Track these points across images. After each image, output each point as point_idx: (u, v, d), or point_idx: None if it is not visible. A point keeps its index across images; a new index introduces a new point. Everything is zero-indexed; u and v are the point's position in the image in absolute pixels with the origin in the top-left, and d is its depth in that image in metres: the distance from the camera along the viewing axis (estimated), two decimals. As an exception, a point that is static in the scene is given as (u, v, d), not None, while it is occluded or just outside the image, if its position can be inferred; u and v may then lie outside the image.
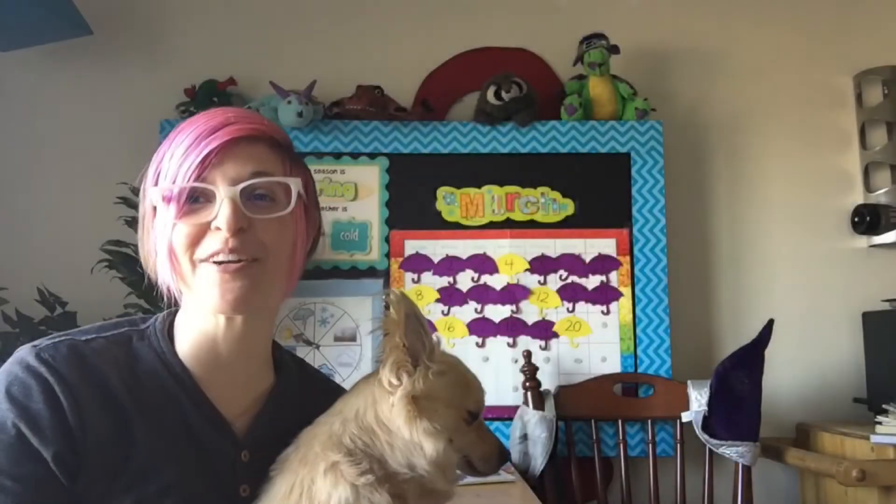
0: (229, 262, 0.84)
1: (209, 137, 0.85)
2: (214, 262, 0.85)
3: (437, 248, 2.34)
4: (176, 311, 0.93)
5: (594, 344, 2.30)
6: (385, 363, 0.86)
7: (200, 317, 0.89)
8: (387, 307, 0.86)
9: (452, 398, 0.88)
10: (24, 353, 0.84)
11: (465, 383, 0.92)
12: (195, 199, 0.85)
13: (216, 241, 0.84)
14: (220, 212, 0.84)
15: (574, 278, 2.33)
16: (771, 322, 2.09)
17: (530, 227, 2.35)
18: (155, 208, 0.87)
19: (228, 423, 0.90)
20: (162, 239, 0.86)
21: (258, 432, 0.92)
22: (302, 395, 0.98)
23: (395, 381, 0.85)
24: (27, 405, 0.79)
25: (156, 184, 0.87)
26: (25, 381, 0.81)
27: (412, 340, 0.86)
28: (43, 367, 0.81)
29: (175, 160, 0.85)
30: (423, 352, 0.87)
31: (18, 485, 0.77)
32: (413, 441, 0.83)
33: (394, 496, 0.81)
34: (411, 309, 0.86)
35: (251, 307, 0.88)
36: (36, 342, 0.85)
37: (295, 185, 0.89)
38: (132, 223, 2.06)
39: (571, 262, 2.33)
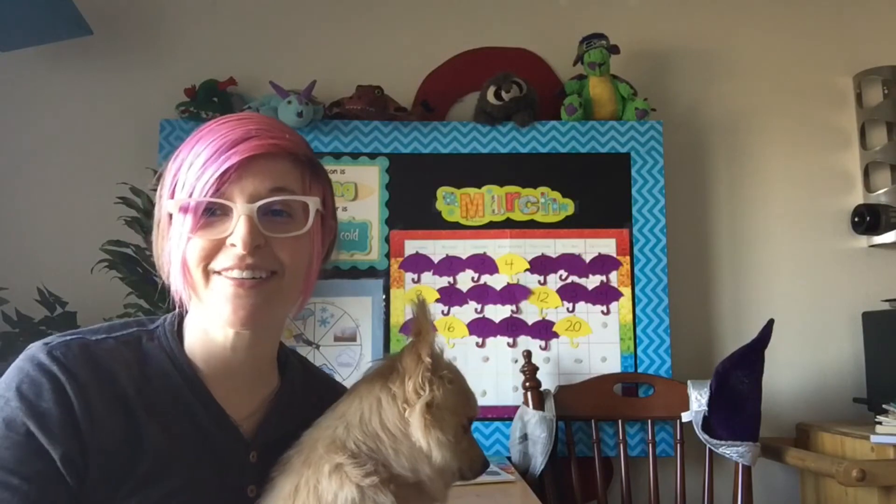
0: (244, 278, 0.84)
1: (229, 152, 0.84)
2: (229, 277, 0.84)
3: (437, 248, 2.34)
4: (183, 312, 0.93)
5: (594, 344, 2.30)
6: (414, 372, 0.86)
7: (210, 324, 0.89)
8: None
9: (457, 406, 0.88)
10: (35, 350, 0.83)
11: (466, 391, 0.92)
12: (212, 212, 0.85)
13: (231, 256, 0.84)
14: (237, 229, 0.83)
15: (574, 278, 2.33)
16: (771, 322, 2.09)
17: (530, 227, 2.35)
18: (171, 215, 0.86)
19: (236, 425, 0.90)
20: (176, 251, 0.85)
21: (266, 433, 0.92)
22: (307, 396, 0.99)
23: (421, 391, 0.85)
24: (37, 403, 0.79)
25: (172, 192, 0.86)
26: (36, 379, 0.80)
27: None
28: (55, 366, 0.81)
29: (193, 172, 0.84)
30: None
31: (25, 483, 0.76)
32: (423, 449, 0.84)
33: (398, 497, 0.82)
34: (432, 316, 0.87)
35: (262, 324, 0.88)
36: (47, 340, 0.85)
37: (314, 204, 0.88)
38: (132, 223, 2.06)
39: (571, 262, 2.34)
